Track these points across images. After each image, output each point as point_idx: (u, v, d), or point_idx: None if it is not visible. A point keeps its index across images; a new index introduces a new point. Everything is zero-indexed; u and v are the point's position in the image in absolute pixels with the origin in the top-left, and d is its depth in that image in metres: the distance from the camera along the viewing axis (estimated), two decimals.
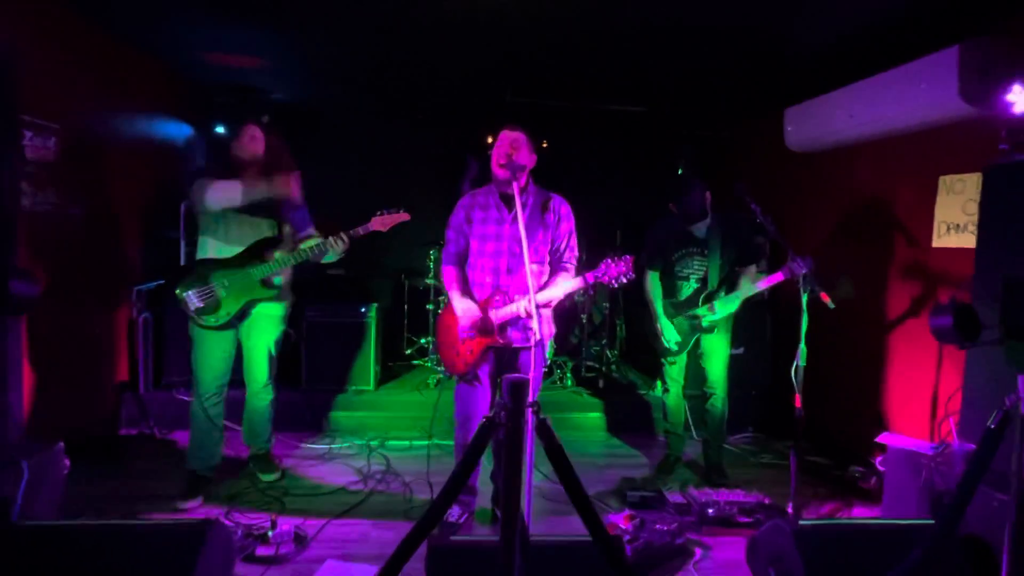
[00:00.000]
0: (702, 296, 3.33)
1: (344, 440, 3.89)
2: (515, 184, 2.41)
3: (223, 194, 2.83)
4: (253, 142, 2.95)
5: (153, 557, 1.90)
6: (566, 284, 2.59)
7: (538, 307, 2.31)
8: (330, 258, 2.93)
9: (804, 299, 2.86)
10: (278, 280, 2.98)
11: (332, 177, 5.43)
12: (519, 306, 2.58)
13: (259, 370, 3.08)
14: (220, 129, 4.77)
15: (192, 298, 2.84)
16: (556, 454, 1.59)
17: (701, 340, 3.40)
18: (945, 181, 3.22)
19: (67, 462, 2.56)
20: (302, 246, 2.91)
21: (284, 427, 3.74)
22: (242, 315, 2.95)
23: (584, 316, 5.06)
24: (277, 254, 2.91)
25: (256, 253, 2.91)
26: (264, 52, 3.84)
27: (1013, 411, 1.93)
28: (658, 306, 3.40)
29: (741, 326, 4.33)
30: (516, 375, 1.60)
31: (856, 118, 3.49)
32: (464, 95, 4.78)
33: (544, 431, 1.60)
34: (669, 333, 3.37)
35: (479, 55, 3.71)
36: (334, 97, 5.04)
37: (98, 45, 3.57)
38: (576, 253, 2.78)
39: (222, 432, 3.06)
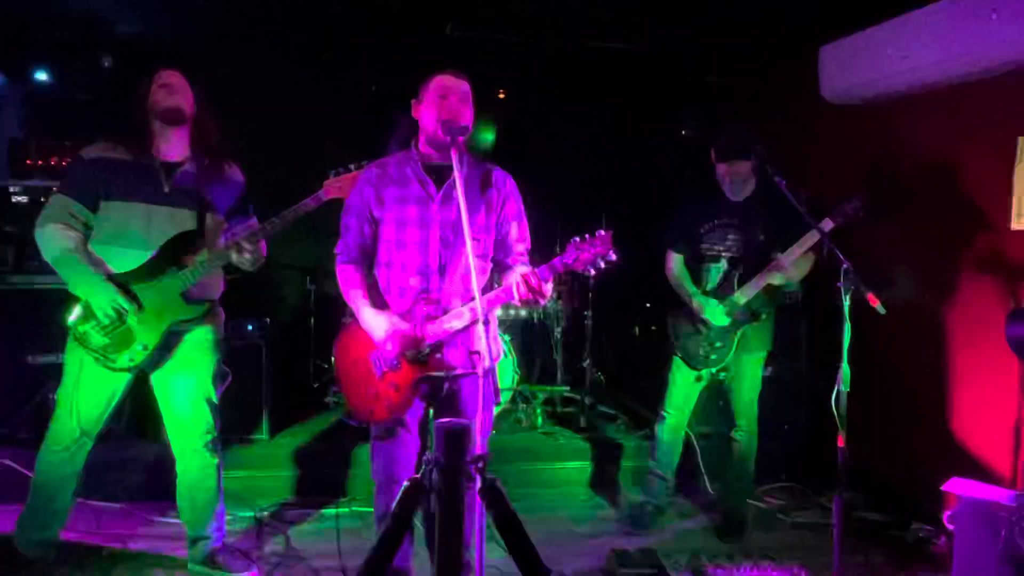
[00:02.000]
0: (737, 279, 3.46)
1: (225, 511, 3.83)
2: (454, 152, 2.39)
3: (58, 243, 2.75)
4: (179, 94, 2.82)
5: None
6: (543, 267, 2.50)
7: (486, 321, 2.29)
8: (239, 258, 2.86)
9: (846, 303, 2.93)
10: (204, 292, 2.91)
11: (265, 149, 5.33)
12: (459, 316, 2.55)
13: (196, 422, 2.99)
14: (43, 76, 4.64)
15: (94, 331, 2.76)
16: (509, 527, 1.59)
17: (739, 353, 3.52)
18: None
19: None
20: (242, 235, 2.83)
21: (136, 494, 3.66)
22: (165, 348, 2.88)
23: (558, 329, 5.09)
24: (201, 255, 2.83)
25: (171, 256, 2.81)
26: None
27: None
28: (689, 285, 3.55)
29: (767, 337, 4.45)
30: (454, 420, 1.59)
31: (912, 59, 3.58)
32: (390, 28, 4.73)
33: (491, 495, 1.60)
34: (713, 311, 3.46)
35: None
36: (210, 31, 4.93)
37: None
38: (529, 243, 2.79)
39: (72, 497, 2.98)
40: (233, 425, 4.19)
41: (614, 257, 2.39)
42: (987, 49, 3.20)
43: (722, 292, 3.50)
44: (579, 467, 4.33)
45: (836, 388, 2.94)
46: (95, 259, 2.78)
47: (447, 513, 1.53)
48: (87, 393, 2.84)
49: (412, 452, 2.72)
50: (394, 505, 1.58)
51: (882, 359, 4.09)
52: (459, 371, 2.63)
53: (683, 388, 3.63)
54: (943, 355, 3.78)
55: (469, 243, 2.16)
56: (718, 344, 3.50)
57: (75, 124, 4.58)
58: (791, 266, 3.40)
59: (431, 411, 2.69)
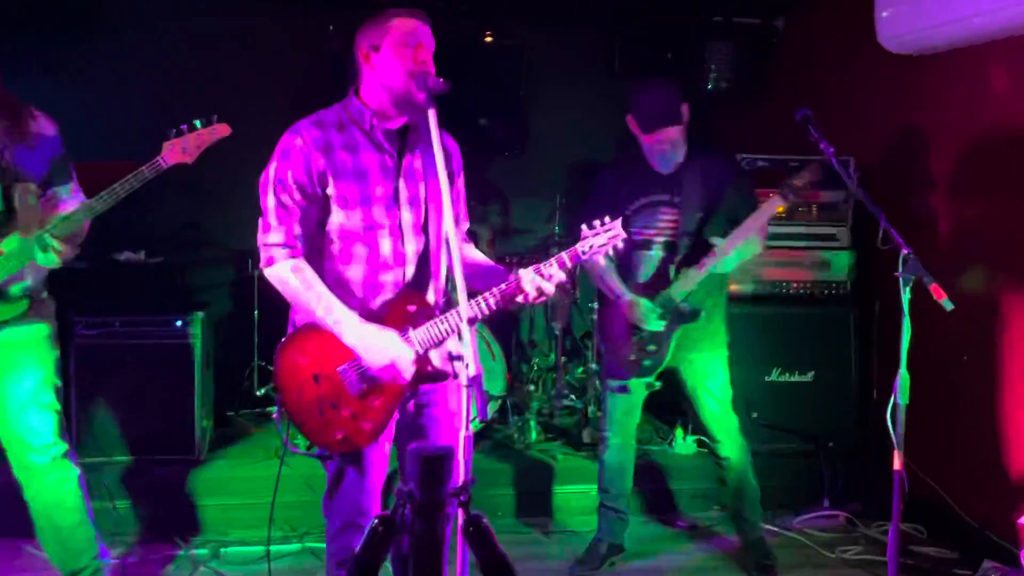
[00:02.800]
0: (673, 266, 3.47)
1: (143, 545, 3.85)
2: (432, 112, 2.34)
3: None
4: None
5: None
6: (555, 257, 2.52)
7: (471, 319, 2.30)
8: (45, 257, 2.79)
9: (906, 296, 2.94)
10: (18, 287, 2.87)
11: (106, 96, 5.29)
12: (451, 317, 2.49)
13: (36, 434, 2.96)
14: None
15: None
16: (498, 572, 1.60)
17: (682, 355, 3.53)
18: None
19: None
20: (51, 222, 2.79)
21: (25, 527, 3.58)
22: None
23: (557, 327, 5.10)
24: (9, 243, 2.79)
25: None
26: None
27: None
28: (615, 279, 3.52)
29: (810, 338, 4.49)
30: (430, 446, 1.59)
31: None
32: None
33: (476, 535, 1.61)
34: (645, 314, 3.44)
35: None
36: None
37: None
38: (465, 224, 2.87)
39: None
40: (156, 443, 4.23)
41: (621, 245, 2.55)
42: None
43: (656, 286, 3.50)
44: (582, 491, 4.32)
45: (892, 399, 2.96)
46: None
47: (423, 556, 1.54)
48: None
49: (381, 478, 2.67)
50: (359, 549, 1.58)
51: (946, 365, 4.12)
52: (454, 375, 2.61)
53: (619, 403, 3.66)
54: (1020, 364, 3.81)
55: (451, 224, 2.14)
56: (651, 347, 3.50)
57: None
58: (734, 252, 3.42)
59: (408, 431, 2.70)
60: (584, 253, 2.50)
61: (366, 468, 2.61)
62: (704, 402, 3.62)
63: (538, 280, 2.44)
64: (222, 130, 2.83)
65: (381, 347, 2.44)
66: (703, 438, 3.77)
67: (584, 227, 2.52)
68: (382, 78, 2.54)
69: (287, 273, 2.51)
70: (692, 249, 3.47)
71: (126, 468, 4.14)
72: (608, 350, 3.69)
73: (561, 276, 2.49)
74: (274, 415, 4.80)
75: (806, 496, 4.43)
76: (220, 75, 5.50)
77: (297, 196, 2.50)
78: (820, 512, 4.38)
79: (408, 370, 2.45)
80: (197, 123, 2.81)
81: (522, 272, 2.49)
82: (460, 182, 2.77)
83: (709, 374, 3.61)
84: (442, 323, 2.50)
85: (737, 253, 3.43)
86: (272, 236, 2.51)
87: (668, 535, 4.24)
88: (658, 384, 3.68)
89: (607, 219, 2.53)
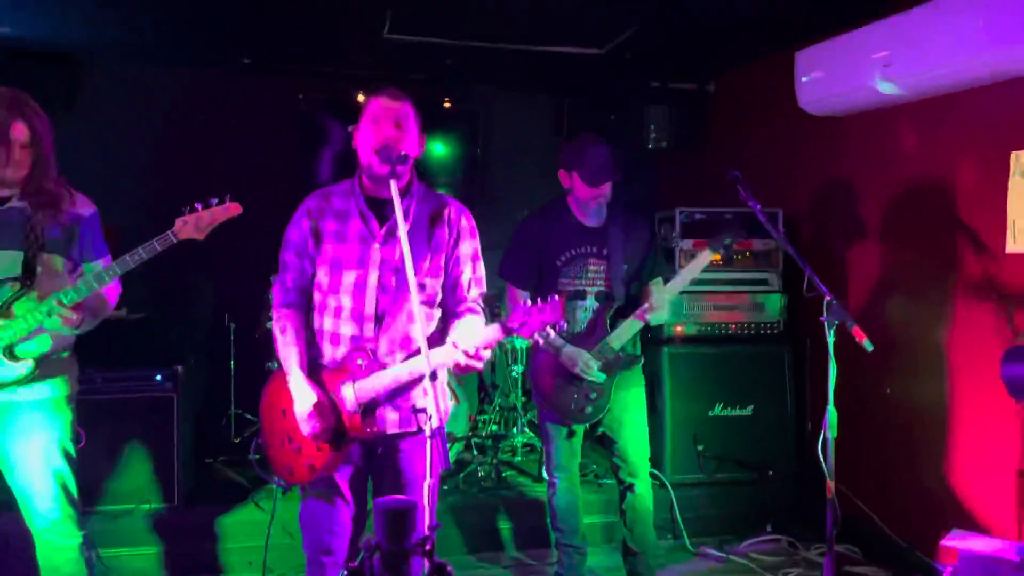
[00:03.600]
0: (610, 315, 3.43)
1: None
2: (394, 183, 2.40)
3: None
4: (16, 151, 2.73)
5: None
6: (484, 331, 2.50)
7: (433, 375, 2.29)
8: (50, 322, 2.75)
9: (831, 338, 3.00)
10: (27, 350, 2.80)
11: (106, 162, 5.29)
12: (399, 370, 2.54)
13: (45, 498, 2.88)
14: None
15: None
16: None
17: (609, 405, 3.46)
18: (1020, 158, 3.46)
19: None
20: (64, 289, 2.74)
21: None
22: None
23: (516, 370, 5.10)
24: (21, 305, 2.75)
25: None
26: None
27: None
28: (549, 330, 3.35)
29: (748, 376, 4.54)
30: (394, 499, 1.59)
31: (894, 67, 3.70)
32: (318, 30, 4.73)
33: None
34: (588, 364, 3.35)
35: None
36: (107, 33, 4.87)
37: None
38: (484, 287, 2.81)
39: None
40: (139, 492, 4.14)
41: (564, 326, 2.51)
42: (976, 57, 3.32)
43: (593, 335, 3.42)
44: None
45: (823, 433, 3.00)
46: None
47: None
48: None
49: (347, 519, 2.72)
50: None
51: (872, 398, 4.19)
52: (394, 429, 2.64)
53: (562, 448, 3.55)
54: (938, 394, 3.87)
55: (414, 288, 2.17)
56: (593, 395, 3.42)
57: None
58: (667, 305, 3.45)
59: (368, 475, 2.78)
60: (514, 330, 2.42)
61: (324, 508, 2.72)
62: (628, 439, 3.52)
63: (464, 360, 2.46)
64: (234, 209, 2.76)
65: (299, 398, 2.59)
66: (619, 472, 3.62)
67: (520, 301, 2.52)
68: (359, 154, 2.64)
69: (274, 324, 2.74)
70: (623, 298, 3.46)
71: (110, 517, 4.04)
72: (545, 400, 3.50)
73: (487, 355, 2.51)
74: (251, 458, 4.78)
75: (750, 522, 4.44)
76: (203, 142, 5.51)
77: (292, 253, 2.72)
78: (763, 537, 4.39)
79: (305, 425, 2.56)
80: (212, 201, 2.76)
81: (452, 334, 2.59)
82: (462, 249, 2.74)
83: (634, 409, 3.54)
84: (384, 373, 2.56)
85: (669, 304, 3.45)
86: (275, 286, 2.78)
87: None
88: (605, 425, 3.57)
89: (554, 297, 2.40)
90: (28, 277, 2.77)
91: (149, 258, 2.74)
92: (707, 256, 3.41)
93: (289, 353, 2.65)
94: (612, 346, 3.39)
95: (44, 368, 2.85)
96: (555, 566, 3.75)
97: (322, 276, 2.68)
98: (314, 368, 2.66)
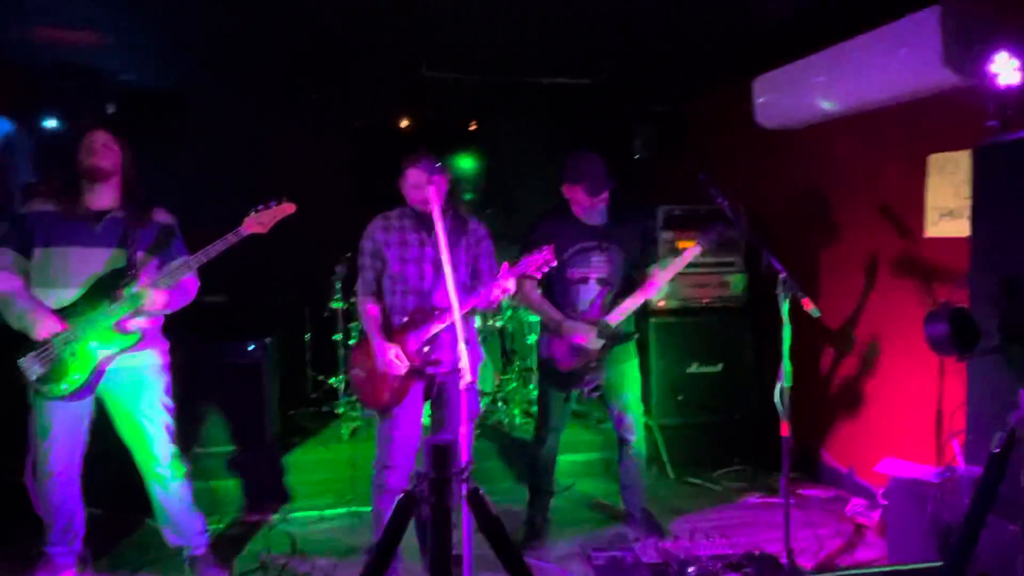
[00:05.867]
0: (610, 298, 3.39)
1: (232, 515, 3.82)
2: (433, 206, 2.50)
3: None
4: (103, 154, 2.84)
5: None
6: (501, 284, 2.86)
7: (467, 340, 2.33)
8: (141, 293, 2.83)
9: (784, 307, 3.00)
10: (133, 324, 2.87)
11: (202, 180, 5.32)
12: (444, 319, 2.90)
13: (148, 444, 2.96)
14: (51, 123, 4.58)
15: (32, 363, 2.74)
16: (493, 532, 1.61)
17: (610, 364, 3.42)
18: (935, 160, 3.43)
19: None
20: (157, 278, 2.85)
21: (145, 506, 3.60)
22: (99, 375, 2.85)
23: (533, 335, 5.12)
24: (131, 289, 2.82)
25: (102, 292, 2.81)
26: (108, 25, 3.70)
27: (1018, 430, 2.07)
28: (553, 310, 3.37)
29: (718, 339, 4.53)
30: (438, 438, 1.61)
31: (833, 89, 3.67)
32: (368, 70, 4.75)
33: (477, 503, 1.62)
34: (588, 336, 3.30)
35: (385, 19, 3.70)
36: (202, 77, 4.91)
37: None
38: (493, 274, 3.06)
39: (79, 511, 2.98)
40: (239, 436, 4.17)
41: (555, 263, 2.89)
42: (895, 80, 3.29)
43: (595, 314, 3.37)
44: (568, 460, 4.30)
45: (779, 383, 3.00)
46: (35, 299, 2.80)
47: (437, 521, 1.55)
48: (45, 431, 2.84)
49: (407, 443, 2.97)
50: (388, 517, 1.59)
51: (820, 356, 4.19)
52: (446, 367, 2.96)
53: (557, 410, 3.49)
54: (873, 350, 3.87)
55: (447, 265, 2.33)
56: (593, 365, 3.35)
57: None
58: (662, 288, 3.40)
59: (422, 414, 3.06)
60: (523, 269, 2.88)
61: (392, 432, 2.98)
62: (628, 404, 3.49)
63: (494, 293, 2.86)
64: (288, 208, 2.87)
65: (381, 356, 2.93)
66: (619, 429, 3.56)
67: (524, 254, 2.92)
68: (411, 199, 3.03)
69: (360, 306, 3.10)
70: (621, 285, 3.43)
71: (215, 456, 4.08)
72: (551, 368, 3.43)
73: (511, 286, 2.88)
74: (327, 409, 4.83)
75: (721, 456, 4.45)
76: (276, 161, 5.53)
77: (368, 259, 3.06)
78: (731, 468, 4.41)
79: (397, 366, 2.89)
80: (272, 203, 2.86)
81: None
82: (484, 247, 3.15)
83: (630, 379, 3.50)
84: (435, 326, 2.94)
85: (659, 291, 3.40)
86: (358, 284, 3.10)
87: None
88: (602, 393, 3.51)
89: (544, 246, 2.91)
90: (131, 269, 2.85)
91: (224, 249, 2.81)
92: (696, 251, 3.36)
93: (373, 327, 3.01)
94: (608, 323, 3.34)
95: (143, 341, 2.92)
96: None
97: (394, 269, 3.02)
98: (388, 329, 3.02)
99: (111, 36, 3.88)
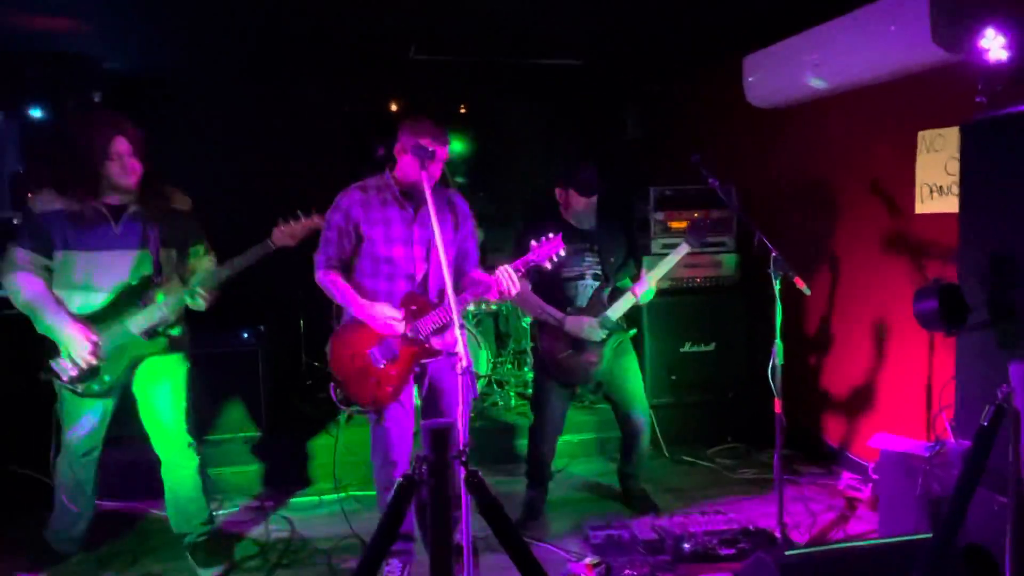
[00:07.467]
0: (607, 292, 3.44)
1: (230, 502, 3.84)
2: (424, 175, 2.43)
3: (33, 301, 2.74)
4: (130, 168, 2.76)
5: None
6: (501, 276, 2.70)
7: (462, 325, 2.34)
8: (194, 303, 2.86)
9: (777, 286, 3.03)
10: (162, 328, 2.89)
11: (188, 165, 5.27)
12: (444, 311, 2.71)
13: (170, 430, 2.99)
14: (37, 112, 4.53)
15: (65, 366, 2.75)
16: (492, 512, 1.64)
17: (607, 367, 3.44)
18: (924, 137, 3.45)
19: None
20: (197, 276, 2.86)
21: (142, 493, 3.63)
22: (129, 374, 2.91)
23: (527, 320, 5.13)
24: (159, 295, 2.81)
25: (130, 298, 2.81)
26: (92, 10, 3.66)
27: (1006, 404, 2.11)
28: (549, 307, 3.38)
29: (710, 319, 4.56)
30: (436, 422, 1.64)
31: (822, 67, 3.68)
32: (356, 54, 4.72)
33: (475, 485, 1.64)
34: (592, 329, 3.32)
35: (372, 2, 3.68)
36: (189, 62, 4.87)
37: None
38: (478, 254, 2.99)
39: (91, 500, 3.02)
40: (234, 424, 4.20)
41: (563, 252, 2.74)
42: (884, 57, 3.29)
43: (593, 309, 3.39)
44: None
45: (771, 361, 3.04)
46: (60, 302, 2.78)
47: (437, 502, 1.57)
48: (73, 419, 2.87)
49: (408, 429, 2.87)
50: (390, 498, 1.62)
51: (812, 333, 4.22)
52: (445, 352, 2.81)
53: (559, 404, 3.52)
54: (864, 327, 3.90)
55: (443, 255, 2.25)
56: (593, 359, 3.38)
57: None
58: (653, 285, 3.43)
59: (419, 408, 2.93)
60: (533, 260, 2.71)
61: (391, 425, 2.85)
62: (632, 391, 3.52)
63: (505, 279, 2.68)
64: (319, 221, 2.85)
65: (379, 312, 2.71)
66: (625, 425, 3.60)
67: (532, 241, 2.72)
68: (402, 166, 2.77)
69: (322, 277, 2.82)
70: (614, 283, 3.48)
71: (215, 444, 4.10)
72: (555, 366, 3.41)
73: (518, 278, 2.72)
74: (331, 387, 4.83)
75: (715, 434, 4.50)
76: (270, 142, 5.50)
77: (335, 232, 2.80)
78: (725, 446, 4.45)
79: (398, 323, 2.69)
80: (301, 216, 2.85)
81: (498, 272, 2.75)
82: (469, 226, 2.96)
83: (632, 373, 3.54)
84: (437, 315, 2.75)
85: (648, 290, 3.41)
86: (319, 257, 2.83)
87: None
88: (605, 384, 3.54)
89: (550, 234, 2.72)
90: (158, 273, 2.85)
91: (254, 260, 2.85)
92: (685, 250, 3.41)
93: (350, 294, 2.77)
94: (610, 317, 3.37)
95: (174, 343, 2.97)
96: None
97: (378, 251, 2.80)
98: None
99: (95, 21, 3.84)
